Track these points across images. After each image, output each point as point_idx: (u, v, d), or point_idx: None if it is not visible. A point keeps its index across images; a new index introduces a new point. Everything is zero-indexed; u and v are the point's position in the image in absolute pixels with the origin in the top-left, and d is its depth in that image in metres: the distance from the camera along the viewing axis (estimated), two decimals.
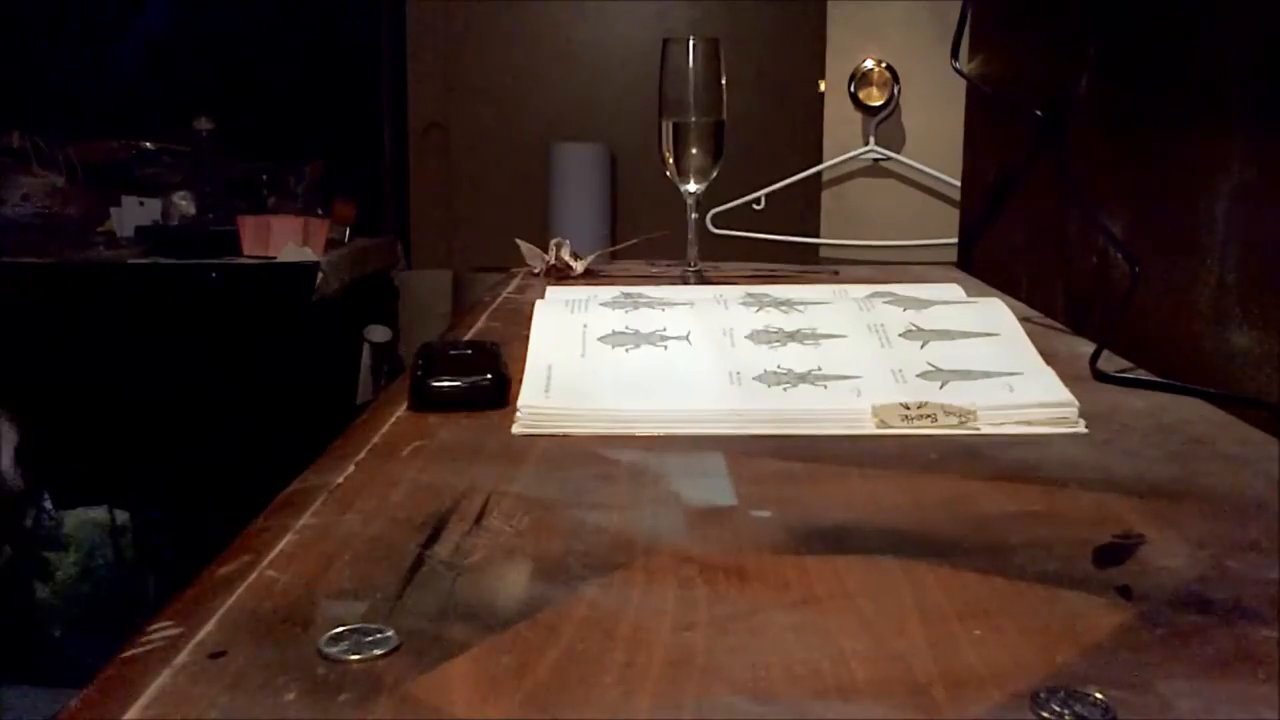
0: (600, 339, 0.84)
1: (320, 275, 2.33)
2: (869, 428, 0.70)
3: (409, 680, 0.39)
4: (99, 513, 2.20)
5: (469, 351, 0.83)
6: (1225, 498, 0.58)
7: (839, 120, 2.57)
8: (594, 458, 0.65)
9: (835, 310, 0.88)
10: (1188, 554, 0.50)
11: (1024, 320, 0.89)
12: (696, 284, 1.17)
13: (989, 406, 0.71)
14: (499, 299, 1.15)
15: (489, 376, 0.75)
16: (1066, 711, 0.36)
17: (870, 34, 2.55)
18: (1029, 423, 0.70)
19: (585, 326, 0.85)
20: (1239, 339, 0.80)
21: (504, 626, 0.43)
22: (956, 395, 0.72)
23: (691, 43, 1.16)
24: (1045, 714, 0.36)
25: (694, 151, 1.17)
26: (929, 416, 0.70)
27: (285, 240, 2.32)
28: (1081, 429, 0.69)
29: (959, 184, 1.52)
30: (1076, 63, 1.05)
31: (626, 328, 0.85)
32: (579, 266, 1.26)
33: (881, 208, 2.57)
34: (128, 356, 2.27)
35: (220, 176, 2.59)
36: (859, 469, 0.63)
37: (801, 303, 0.90)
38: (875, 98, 2.51)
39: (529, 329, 0.85)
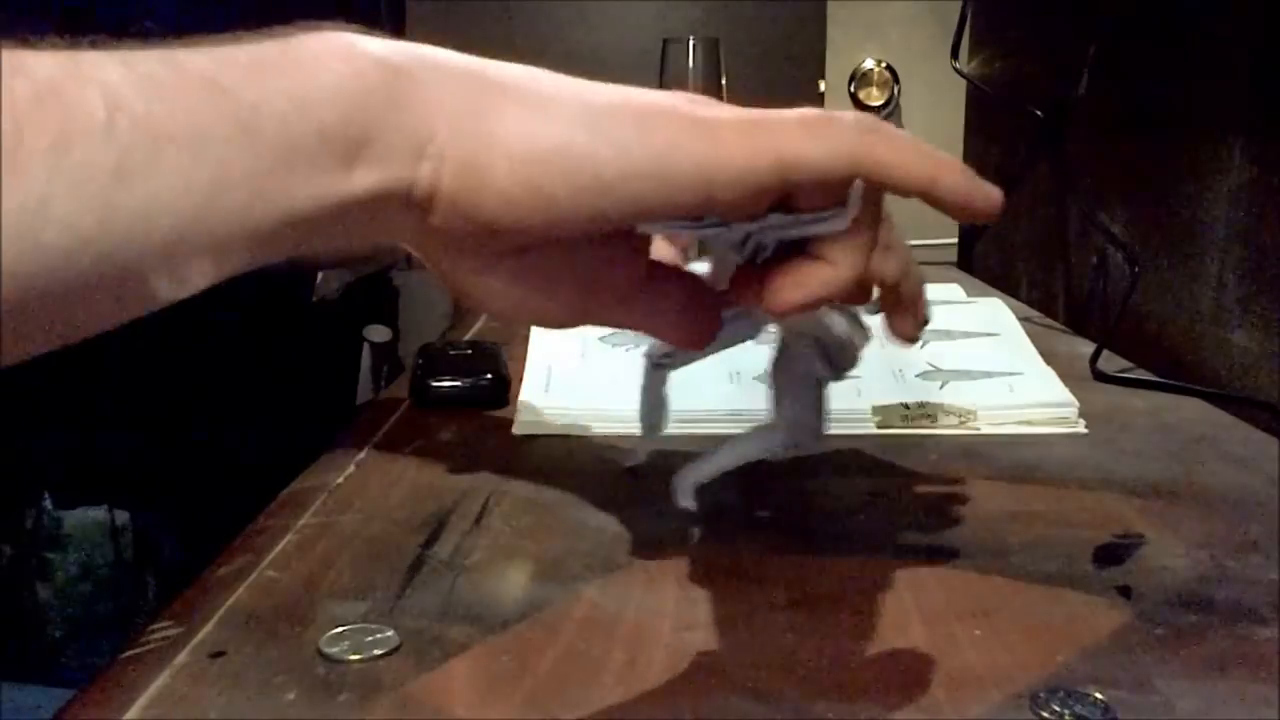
0: (600, 339, 0.84)
1: (320, 275, 2.32)
2: (869, 428, 0.70)
3: (409, 680, 0.39)
4: (99, 513, 2.19)
5: (469, 351, 0.83)
6: (1225, 498, 0.58)
7: None
8: (594, 458, 0.65)
9: None
10: (1188, 554, 0.50)
11: (1024, 320, 0.90)
12: None
13: (989, 406, 0.71)
14: None
15: (489, 376, 0.75)
16: (1066, 711, 0.36)
17: (870, 34, 2.55)
18: (1029, 423, 0.70)
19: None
20: (1239, 339, 0.80)
21: (504, 626, 0.43)
22: (956, 395, 0.72)
23: (691, 43, 1.16)
24: (1045, 714, 0.36)
25: None
26: (929, 416, 0.70)
27: None
28: (1081, 429, 0.69)
29: None
30: (1076, 63, 1.05)
31: None
32: None
33: None
34: (128, 356, 2.26)
35: None
36: (859, 469, 0.63)
37: None
38: (875, 98, 2.51)
39: (529, 329, 0.85)
